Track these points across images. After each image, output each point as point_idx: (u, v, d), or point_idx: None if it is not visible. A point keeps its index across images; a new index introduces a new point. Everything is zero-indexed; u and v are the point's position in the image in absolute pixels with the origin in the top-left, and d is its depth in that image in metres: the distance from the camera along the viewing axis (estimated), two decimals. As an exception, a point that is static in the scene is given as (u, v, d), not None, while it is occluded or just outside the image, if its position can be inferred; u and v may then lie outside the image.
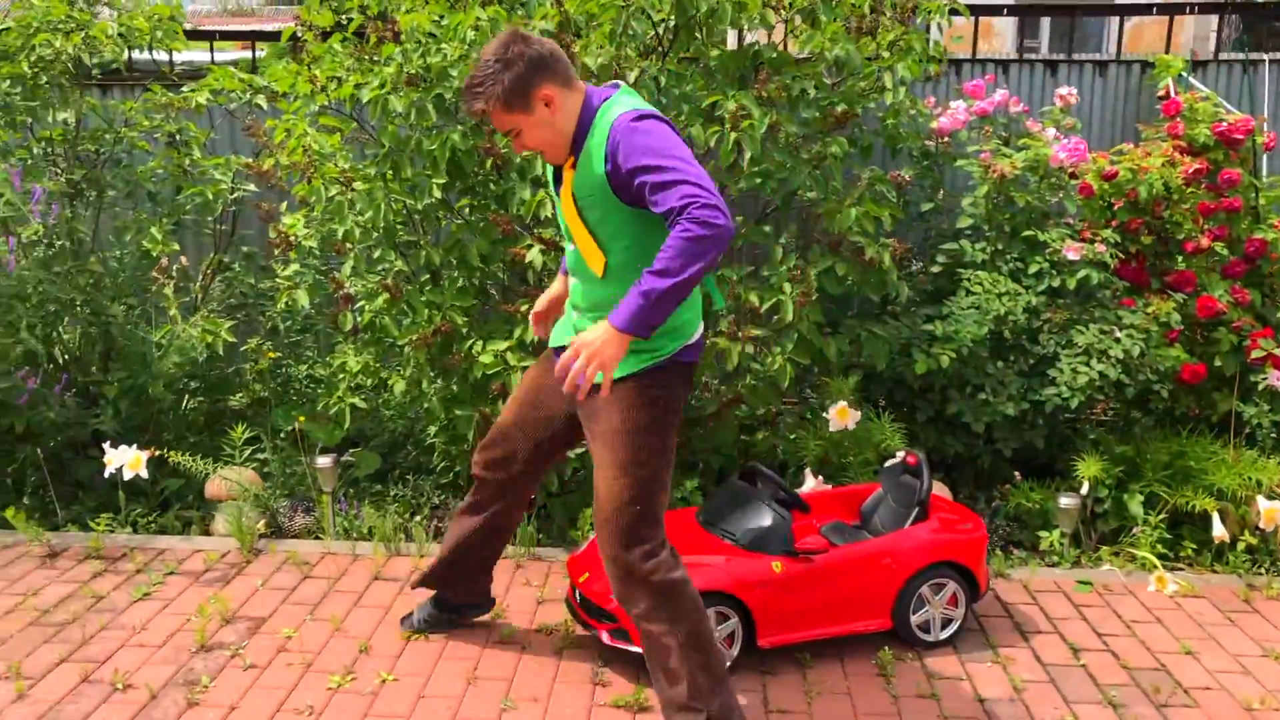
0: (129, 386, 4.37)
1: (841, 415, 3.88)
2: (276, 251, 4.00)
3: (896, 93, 4.00)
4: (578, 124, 2.57)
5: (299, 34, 4.05)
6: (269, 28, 5.52)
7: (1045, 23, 15.98)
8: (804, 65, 3.88)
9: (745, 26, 3.85)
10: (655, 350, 2.61)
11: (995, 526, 4.09)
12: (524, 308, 3.83)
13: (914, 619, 3.22)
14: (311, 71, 3.92)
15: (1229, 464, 3.94)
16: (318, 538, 4.09)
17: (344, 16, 4.06)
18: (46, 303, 4.25)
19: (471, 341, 3.87)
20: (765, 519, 3.14)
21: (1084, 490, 3.92)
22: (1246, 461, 3.94)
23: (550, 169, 2.79)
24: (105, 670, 3.06)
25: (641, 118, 2.48)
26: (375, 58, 3.83)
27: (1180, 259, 4.32)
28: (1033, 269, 4.19)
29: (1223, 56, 5.15)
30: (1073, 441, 4.31)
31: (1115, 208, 4.39)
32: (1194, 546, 3.95)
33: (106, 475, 3.86)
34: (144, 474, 3.83)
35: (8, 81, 4.32)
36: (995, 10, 5.32)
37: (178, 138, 4.64)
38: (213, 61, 5.19)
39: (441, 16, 3.77)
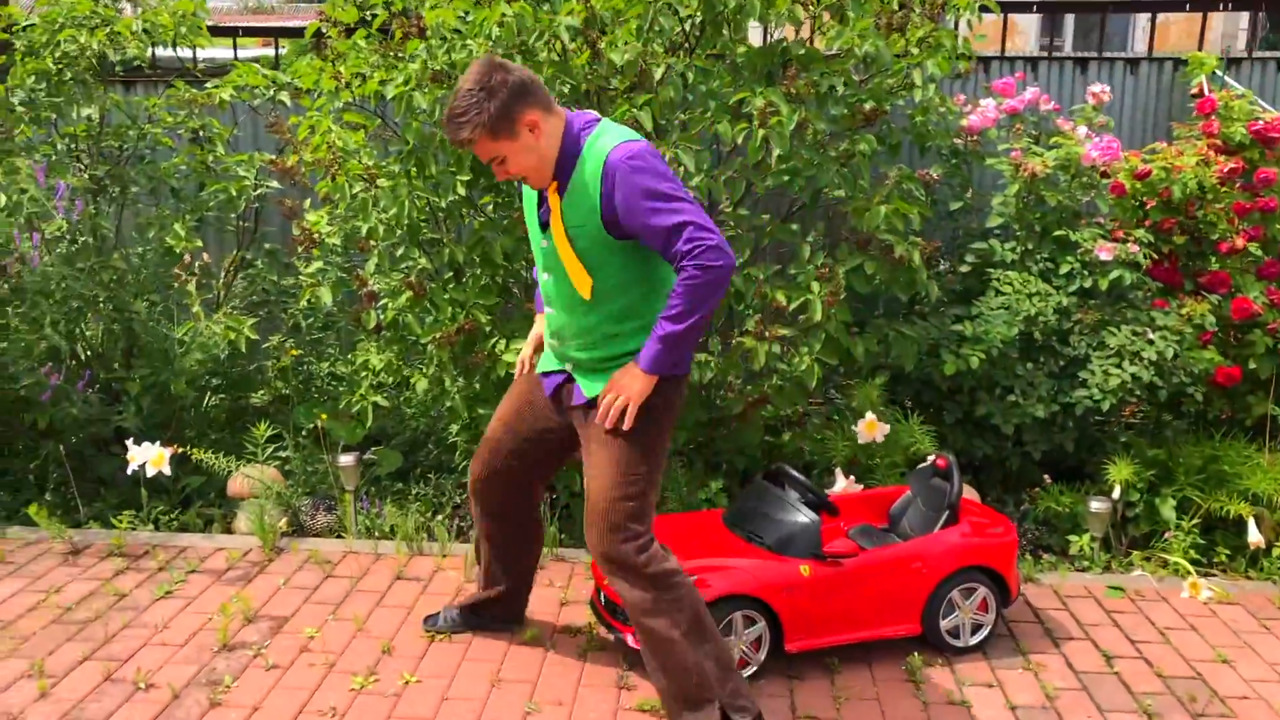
0: (151, 383, 4.36)
1: (870, 428, 3.81)
2: (299, 248, 3.98)
3: (926, 90, 3.95)
4: (561, 149, 2.61)
5: (323, 30, 4.03)
6: (292, 25, 5.50)
7: (1069, 21, 15.85)
8: (833, 62, 3.84)
9: (773, 22, 3.81)
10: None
11: (1024, 530, 4.03)
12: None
13: (944, 624, 3.17)
14: (336, 68, 3.89)
15: (1264, 468, 3.88)
16: (340, 536, 4.07)
17: (368, 12, 4.03)
18: (70, 299, 4.24)
19: (495, 340, 3.84)
20: (794, 521, 3.09)
21: (1115, 494, 3.86)
22: (1282, 466, 3.88)
23: (529, 194, 2.81)
24: (128, 669, 3.05)
25: (635, 155, 2.52)
26: (400, 54, 3.81)
27: (1214, 260, 4.25)
28: (1064, 269, 4.13)
29: (1257, 54, 5.07)
30: (1102, 444, 4.25)
31: (1147, 207, 4.32)
32: (1228, 552, 3.88)
33: (129, 472, 3.84)
34: (166, 471, 3.81)
35: (33, 77, 4.32)
36: (1025, 7, 5.26)
37: (201, 134, 4.63)
38: (235, 58, 5.18)
39: (467, 13, 3.74)
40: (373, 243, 3.89)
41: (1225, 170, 4.17)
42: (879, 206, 3.70)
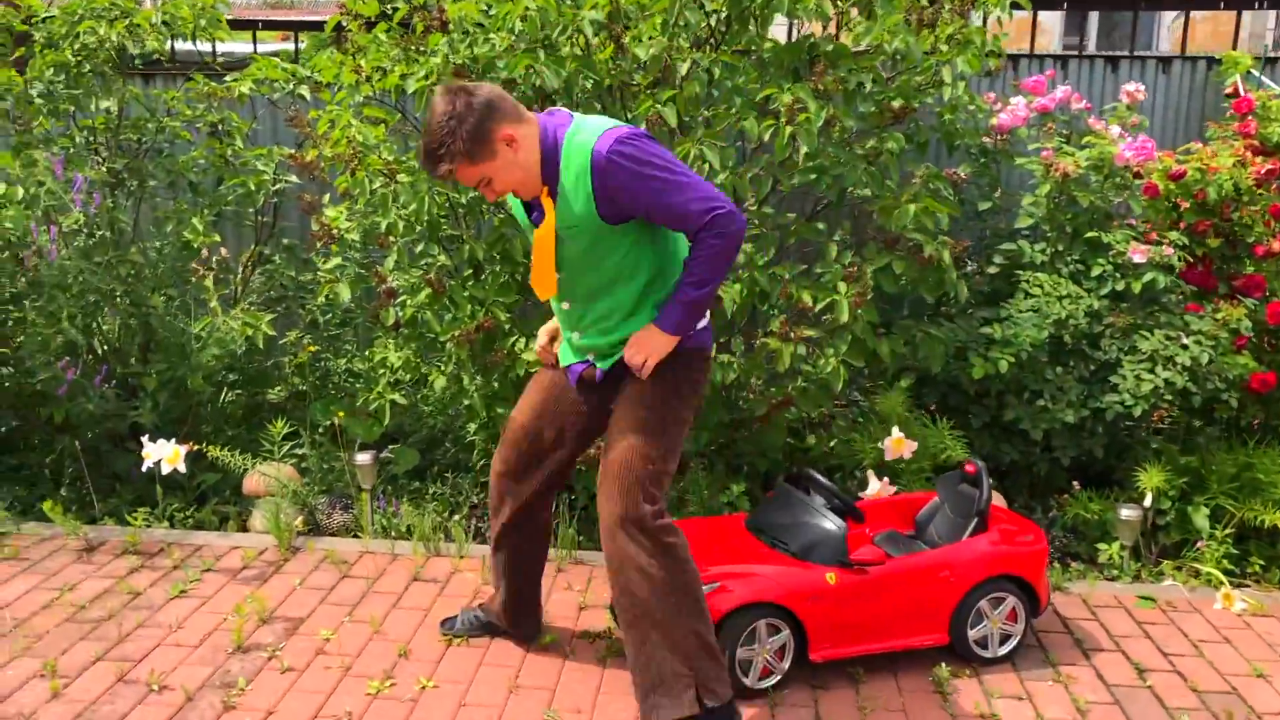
0: (168, 379, 4.32)
1: (897, 445, 3.72)
2: (318, 244, 3.93)
3: (955, 88, 3.87)
4: (542, 154, 2.57)
5: (344, 23, 3.98)
6: (312, 18, 5.45)
7: (1093, 19, 15.69)
8: (861, 58, 3.76)
9: (801, 17, 3.73)
10: None
11: (1052, 538, 3.95)
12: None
13: (972, 634, 3.10)
14: (356, 61, 3.84)
15: (1300, 477, 3.79)
16: (356, 536, 4.02)
17: (389, 6, 3.98)
18: (87, 293, 4.21)
19: (514, 338, 3.78)
20: (819, 528, 3.03)
21: (1147, 502, 3.78)
22: (1319, 475, 3.79)
23: (519, 204, 2.79)
24: (141, 670, 3.00)
25: (619, 142, 2.49)
26: (421, 48, 3.75)
27: (1249, 263, 4.16)
28: (1095, 271, 4.04)
29: (1293, 53, 4.96)
30: (1131, 450, 4.16)
31: (1181, 209, 4.23)
32: (1261, 562, 3.79)
33: (144, 469, 3.81)
34: (181, 469, 3.77)
35: (51, 69, 4.29)
36: (1055, 3, 5.17)
37: (220, 128, 4.59)
38: (255, 52, 5.14)
39: (490, 6, 3.69)
40: (392, 239, 3.84)
41: (1263, 171, 4.07)
42: (908, 205, 3.62)
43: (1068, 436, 4.08)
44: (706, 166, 3.52)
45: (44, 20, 4.33)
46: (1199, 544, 3.80)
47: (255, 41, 5.35)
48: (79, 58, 4.28)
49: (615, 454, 2.65)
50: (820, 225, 3.89)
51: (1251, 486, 3.86)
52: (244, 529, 4.09)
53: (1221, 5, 5.19)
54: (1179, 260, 4.04)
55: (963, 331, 4.01)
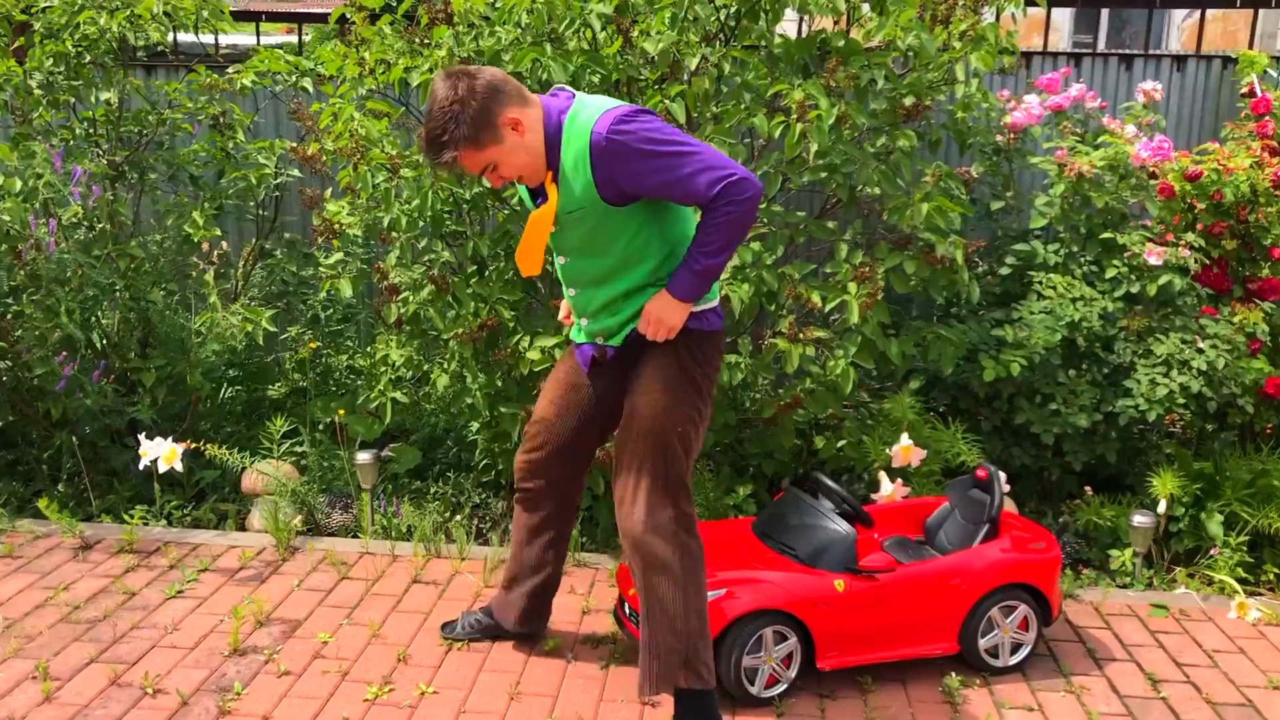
0: (167, 374, 4.27)
1: (905, 453, 3.65)
2: (320, 239, 3.87)
3: (969, 85, 3.81)
4: (546, 138, 2.51)
5: (348, 15, 3.92)
6: (316, 10, 5.39)
7: (1103, 17, 15.59)
8: (873, 54, 3.69)
9: (812, 12, 3.67)
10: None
11: (1063, 544, 3.88)
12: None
13: (982, 643, 3.03)
14: (360, 54, 3.78)
15: (1316, 484, 3.72)
16: (356, 536, 3.96)
17: (394, -2, 3.92)
18: (86, 287, 4.15)
19: (518, 337, 3.72)
20: (828, 533, 2.96)
21: (1161, 508, 3.71)
22: (1335, 482, 3.72)
23: (526, 190, 2.73)
24: (135, 673, 2.95)
25: (617, 122, 2.42)
26: (426, 41, 3.69)
27: (1265, 266, 4.09)
28: (1109, 273, 3.97)
29: (1310, 53, 4.89)
30: (1142, 454, 4.10)
31: (1196, 210, 4.16)
32: (1276, 571, 3.73)
33: (141, 467, 3.75)
34: (179, 468, 3.71)
35: (51, 60, 4.23)
36: (1069, 0, 5.09)
37: (221, 120, 4.53)
38: (258, 44, 5.08)
39: (495, -2, 3.62)
40: (394, 234, 3.78)
41: (1280, 173, 4.00)
42: (921, 204, 3.56)
43: (1080, 441, 4.01)
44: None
45: (44, 10, 4.27)
46: (1212, 551, 3.74)
47: (259, 34, 5.29)
48: (79, 48, 4.22)
49: (643, 412, 2.60)
50: (830, 224, 3.82)
51: (1266, 493, 3.79)
52: (242, 528, 4.04)
53: (1238, 4, 5.11)
54: (1195, 263, 3.98)
55: (974, 333, 3.95)
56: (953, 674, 3.02)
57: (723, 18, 3.70)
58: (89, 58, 4.26)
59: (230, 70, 4.36)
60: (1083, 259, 4.07)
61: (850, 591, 2.88)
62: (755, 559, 2.98)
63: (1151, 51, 4.96)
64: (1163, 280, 3.89)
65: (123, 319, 4.39)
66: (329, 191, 4.33)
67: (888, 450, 3.69)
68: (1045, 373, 3.94)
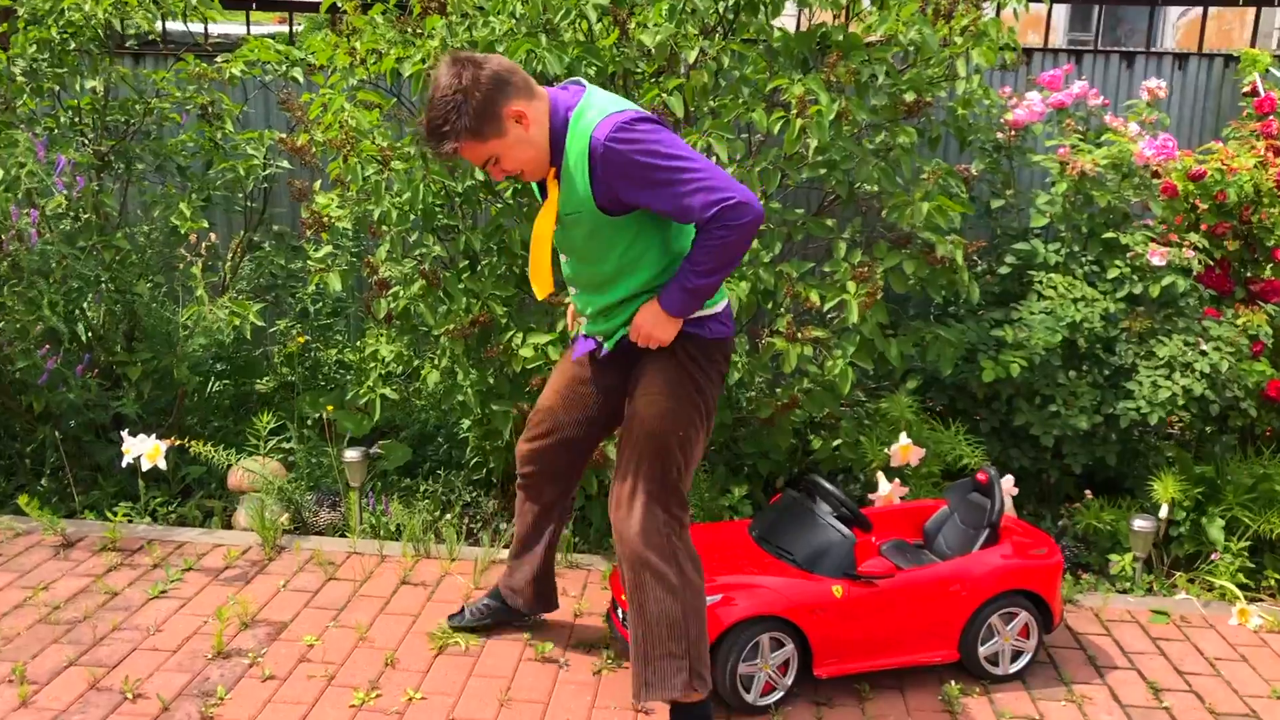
0: (153, 368, 4.19)
1: (904, 452, 3.60)
2: (309, 232, 3.79)
3: (970, 81, 3.74)
4: (551, 133, 2.44)
5: (339, 4, 3.84)
6: (308, 0, 5.30)
7: (1098, 14, 15.57)
8: (874, 49, 3.63)
9: (812, 5, 3.60)
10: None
11: (1063, 548, 3.83)
12: (567, 299, 3.61)
13: (982, 651, 2.98)
14: (351, 44, 3.71)
15: (1319, 489, 3.67)
16: (343, 535, 3.89)
17: (386, -14, 3.84)
18: (70, 279, 4.06)
19: (511, 333, 3.65)
20: (826, 538, 2.90)
21: (1163, 513, 3.65)
22: (1338, 487, 3.67)
23: (536, 185, 2.66)
24: (115, 676, 2.87)
25: (618, 130, 2.33)
26: (419, 31, 3.61)
27: (1268, 267, 4.04)
28: (1111, 273, 3.92)
29: (1313, 52, 4.83)
30: (1142, 457, 4.04)
31: (1199, 211, 4.10)
32: (1278, 576, 3.68)
33: (125, 464, 3.67)
34: (162, 465, 3.63)
35: (35, 46, 4.13)
36: (1070, -3, 5.03)
37: (210, 110, 4.44)
38: (249, 33, 4.99)
39: (490, -13, 3.55)
40: (385, 228, 3.70)
41: (1285, 173, 3.95)
42: (921, 203, 3.50)
43: (1079, 443, 3.96)
44: (714, 159, 3.39)
45: (28, -5, 4.18)
46: (1214, 556, 3.69)
47: (249, 23, 5.20)
48: (64, 35, 4.13)
49: (643, 415, 2.55)
50: (829, 222, 3.75)
51: (1268, 498, 3.74)
52: (228, 525, 3.96)
53: (1240, 1, 5.06)
54: (1199, 264, 3.92)
55: (973, 333, 3.89)
56: (952, 682, 2.96)
57: (721, 10, 3.63)
58: (74, 45, 4.16)
59: (219, 59, 4.28)
60: (1084, 259, 4.01)
61: (848, 597, 2.82)
62: (752, 563, 2.91)
63: (1154, 49, 4.90)
64: (1166, 281, 3.84)
65: (108, 312, 4.31)
66: (318, 183, 4.25)
67: (886, 450, 3.63)
68: (1045, 374, 3.88)
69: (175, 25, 5.05)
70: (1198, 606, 3.53)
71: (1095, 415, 3.82)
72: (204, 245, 4.58)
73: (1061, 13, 15.29)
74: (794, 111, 3.37)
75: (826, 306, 3.48)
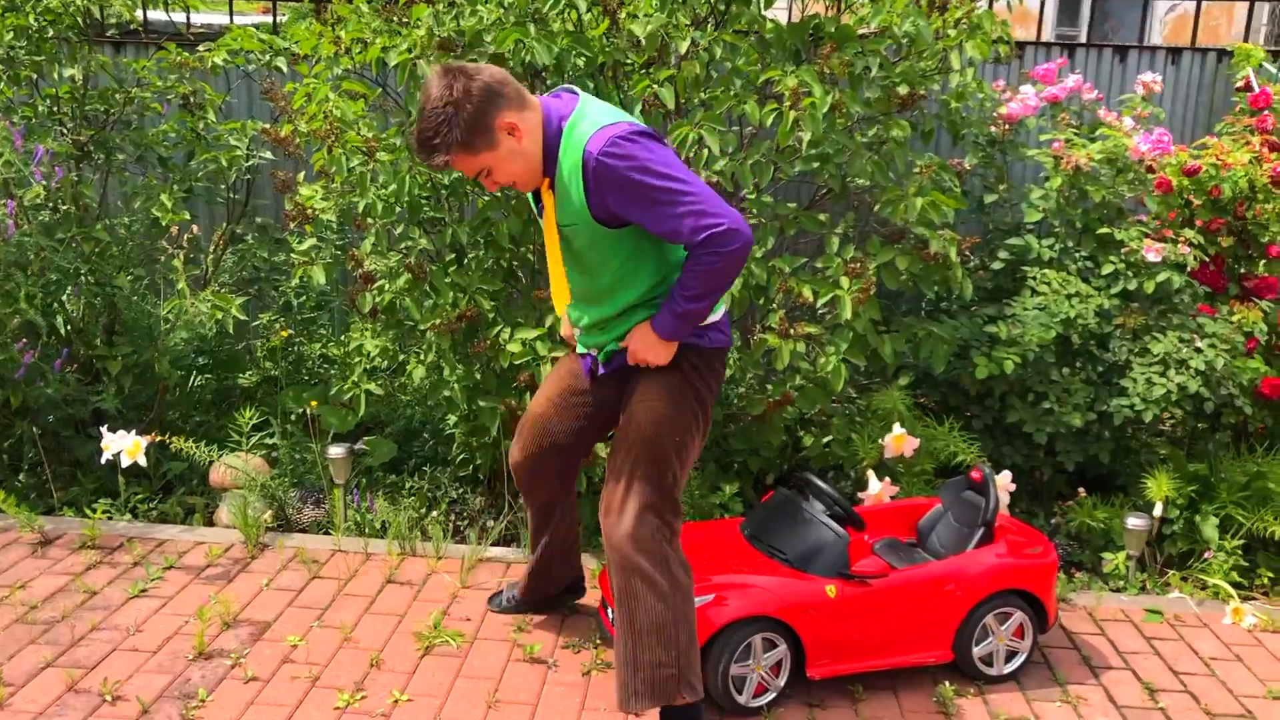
0: (133, 362, 4.11)
1: (898, 442, 3.56)
2: (293, 224, 3.72)
3: (964, 74, 3.70)
4: (544, 144, 2.40)
5: (324, -8, 3.77)
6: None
7: (1085, 9, 15.55)
8: (868, 41, 3.58)
9: (806, -4, 3.55)
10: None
11: (1056, 546, 3.79)
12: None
13: (977, 651, 2.94)
14: (335, 33, 3.64)
15: (1312, 487, 3.65)
16: (328, 532, 3.83)
17: (372, -26, 3.77)
18: (48, 271, 3.98)
19: (498, 328, 3.59)
20: (819, 537, 2.86)
21: (1157, 511, 3.62)
22: (1332, 485, 3.65)
23: (531, 196, 2.64)
24: (94, 678, 2.81)
25: (611, 144, 2.30)
26: (405, 20, 3.55)
27: (1262, 264, 4.01)
28: (1106, 269, 3.88)
29: (1307, 47, 4.81)
30: (1135, 454, 4.01)
31: (1193, 206, 4.07)
32: (1270, 575, 3.66)
33: (105, 460, 3.60)
34: (142, 462, 3.57)
35: (11, 33, 4.05)
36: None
37: (192, 100, 4.36)
38: (232, 22, 4.91)
39: (477, -24, 3.48)
40: (370, 220, 3.64)
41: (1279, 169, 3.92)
42: (915, 198, 3.45)
43: (1073, 440, 3.92)
44: (706, 152, 3.34)
45: (5, -19, 4.09)
46: (1207, 554, 3.66)
47: (232, 11, 5.11)
48: (42, 22, 4.05)
49: (640, 420, 2.52)
50: (822, 216, 3.71)
51: (1261, 496, 3.72)
52: (210, 523, 3.90)
53: (1234, -4, 5.03)
54: (1194, 260, 3.89)
55: (966, 329, 3.85)
56: (946, 683, 2.92)
57: (713, 0, 3.58)
58: (52, 32, 4.08)
59: (201, 48, 4.20)
60: (1078, 254, 3.97)
61: (842, 597, 2.78)
62: (744, 563, 2.87)
63: (1147, 43, 4.87)
64: (1161, 277, 3.81)
65: (87, 305, 4.23)
66: (302, 175, 4.18)
67: (880, 442, 3.59)
68: (1038, 370, 3.85)
69: (157, 14, 4.97)
70: (1191, 605, 3.50)
71: (1089, 412, 3.79)
72: (185, 237, 4.50)
73: (1050, 7, 15.29)
74: (787, 104, 3.32)
75: (819, 302, 3.44)
